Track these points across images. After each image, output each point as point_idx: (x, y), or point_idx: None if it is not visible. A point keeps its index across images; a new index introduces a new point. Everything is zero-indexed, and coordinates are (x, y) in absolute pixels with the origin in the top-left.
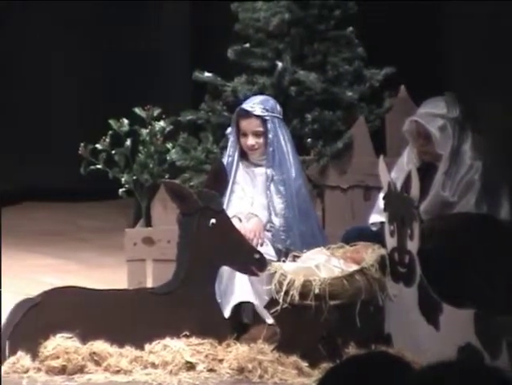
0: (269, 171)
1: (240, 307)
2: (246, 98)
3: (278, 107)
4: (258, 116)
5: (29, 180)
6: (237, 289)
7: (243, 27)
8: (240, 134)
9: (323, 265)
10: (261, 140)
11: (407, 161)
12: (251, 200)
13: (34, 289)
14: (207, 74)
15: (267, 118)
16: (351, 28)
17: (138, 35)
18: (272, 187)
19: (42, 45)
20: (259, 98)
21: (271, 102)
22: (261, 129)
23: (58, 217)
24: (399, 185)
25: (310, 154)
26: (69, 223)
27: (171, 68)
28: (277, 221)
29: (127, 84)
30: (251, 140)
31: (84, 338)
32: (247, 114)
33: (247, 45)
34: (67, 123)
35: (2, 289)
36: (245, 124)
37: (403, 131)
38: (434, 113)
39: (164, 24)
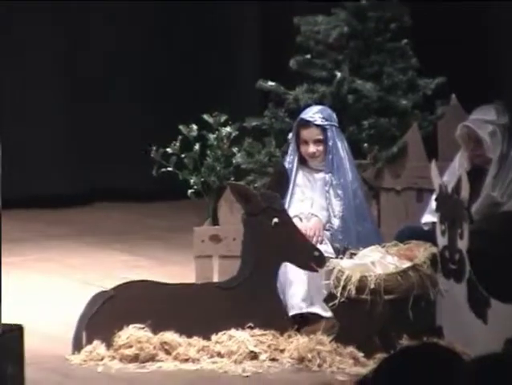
0: (328, 176)
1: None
2: (307, 106)
3: (335, 116)
4: (317, 126)
5: (101, 182)
6: (297, 287)
7: (305, 40)
8: (300, 142)
9: (378, 261)
10: (320, 148)
11: (458, 165)
12: (311, 202)
13: (108, 283)
14: (270, 83)
15: (326, 127)
16: (405, 40)
17: (209, 46)
18: (331, 191)
19: (121, 53)
20: (318, 108)
21: (329, 111)
22: (320, 137)
23: (131, 217)
24: (450, 188)
25: (367, 158)
26: (141, 222)
27: (238, 77)
28: (335, 222)
29: (196, 92)
30: (312, 148)
31: (155, 329)
32: (308, 123)
33: (308, 56)
34: (140, 127)
35: (78, 282)
36: (306, 133)
37: (455, 136)
38: (485, 119)
39: (232, 36)
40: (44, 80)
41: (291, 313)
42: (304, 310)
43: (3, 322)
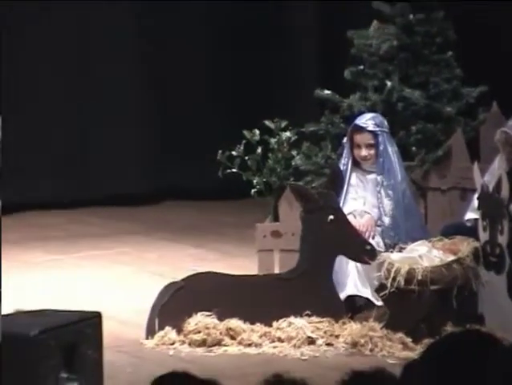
0: (379, 177)
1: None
2: (360, 113)
3: (386, 122)
4: (370, 131)
5: (172, 182)
6: (351, 278)
7: (358, 52)
8: (354, 146)
9: (425, 255)
10: (372, 152)
11: (498, 167)
12: (363, 201)
13: (179, 275)
14: (327, 91)
15: (378, 132)
16: (450, 53)
17: (271, 57)
18: (382, 191)
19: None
20: (370, 115)
21: (380, 118)
22: (372, 142)
23: (199, 214)
24: (491, 187)
25: (415, 160)
26: (208, 219)
27: (297, 86)
28: (386, 220)
29: (258, 99)
30: (364, 152)
31: (221, 316)
32: (361, 129)
33: (361, 67)
34: (208, 131)
35: (151, 274)
36: (360, 138)
37: (494, 140)
38: None
39: (292, 49)
40: (121, 81)
41: (348, 293)
42: (358, 293)
43: (86, 308)
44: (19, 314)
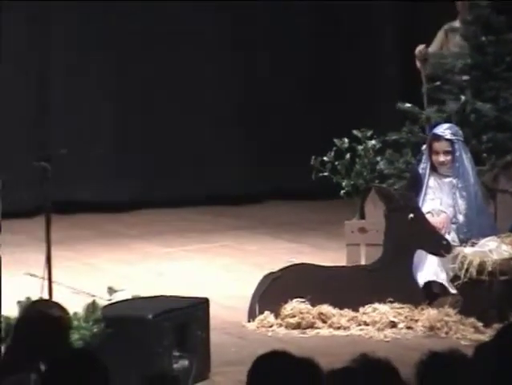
0: (454, 180)
1: (432, 282)
2: (437, 124)
3: (460, 131)
4: (447, 139)
5: (271, 183)
6: (428, 268)
7: (434, 69)
8: (432, 152)
9: (494, 249)
10: (449, 158)
11: None
12: (440, 201)
13: (276, 266)
14: (407, 104)
15: (454, 141)
16: None
17: (360, 75)
18: (457, 192)
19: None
20: (447, 125)
21: (456, 128)
22: (449, 149)
23: (295, 212)
24: None
25: (486, 165)
26: (303, 217)
27: (381, 100)
28: (460, 218)
29: (346, 111)
30: (442, 158)
31: (314, 302)
32: (439, 137)
33: (438, 83)
34: (302, 140)
35: (252, 265)
36: (438, 145)
37: None
38: None
39: (378, 66)
40: (220, 82)
41: (427, 279)
42: (435, 279)
43: (195, 294)
44: (137, 300)
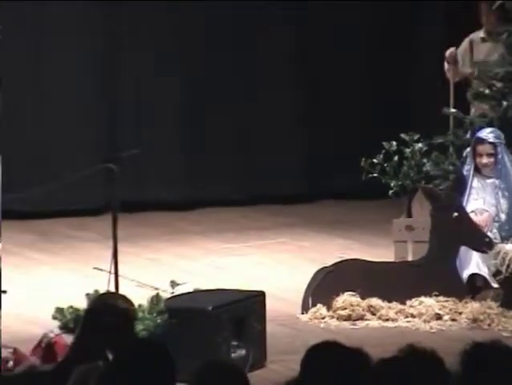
0: (497, 181)
1: (475, 276)
2: (480, 128)
3: (502, 135)
4: (490, 143)
5: (325, 183)
6: (472, 263)
7: (479, 75)
8: (476, 154)
9: None
10: (492, 160)
11: None
12: (483, 201)
13: (329, 261)
14: (452, 110)
15: (497, 144)
16: None
17: (407, 81)
18: (499, 192)
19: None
20: (490, 129)
21: (498, 132)
22: (492, 152)
23: (346, 211)
24: None
25: None
26: (354, 215)
27: (429, 105)
28: (502, 216)
29: (394, 115)
30: (485, 160)
31: (364, 295)
32: (483, 141)
33: (481, 89)
34: (353, 142)
35: (306, 260)
36: (481, 148)
37: None
38: None
39: (425, 74)
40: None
41: (470, 272)
42: (479, 272)
43: (253, 287)
44: (198, 293)
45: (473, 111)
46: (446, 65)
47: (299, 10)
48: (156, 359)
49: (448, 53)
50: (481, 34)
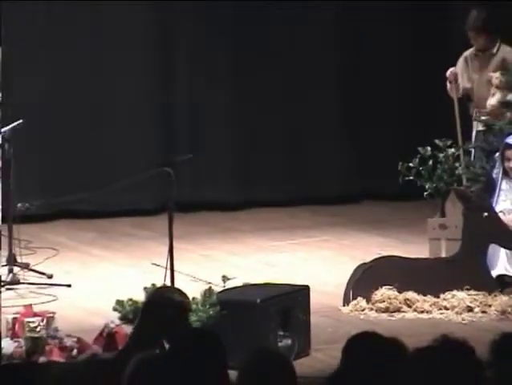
0: None
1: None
2: (509, 134)
3: None
4: None
5: (368, 185)
6: (501, 261)
7: (507, 85)
8: (505, 159)
9: None
10: None
11: None
12: (511, 202)
13: (368, 257)
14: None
15: None
16: None
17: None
18: None
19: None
20: None
21: None
22: None
23: (385, 211)
24: None
25: None
26: (392, 215)
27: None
28: None
29: (430, 122)
30: None
31: (400, 289)
32: (511, 146)
33: (510, 97)
34: (392, 148)
35: (347, 256)
36: (510, 153)
37: None
38: None
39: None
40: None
41: (498, 272)
42: (506, 272)
43: (298, 282)
44: (247, 286)
45: (475, 122)
46: (448, 84)
47: (345, 11)
48: (209, 347)
49: (449, 73)
50: (472, 51)
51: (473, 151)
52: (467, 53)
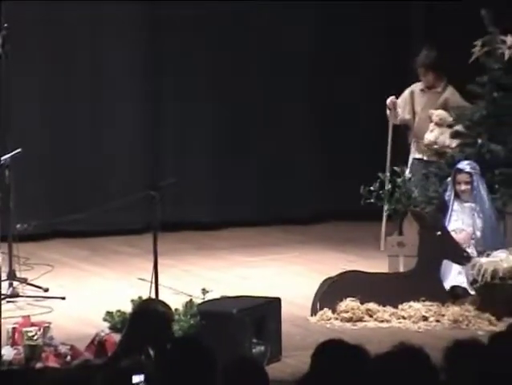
0: (473, 205)
1: (455, 285)
2: (459, 160)
3: (478, 167)
4: (467, 172)
5: (332, 206)
6: (453, 275)
7: (458, 119)
8: (455, 182)
9: (504, 259)
10: (469, 187)
11: None
12: (462, 221)
13: (334, 272)
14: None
15: (473, 174)
16: None
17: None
18: (475, 214)
19: None
20: (467, 161)
21: (474, 164)
22: (469, 180)
23: (349, 229)
24: None
25: (497, 194)
26: (354, 233)
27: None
28: (478, 234)
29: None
30: (463, 187)
31: (363, 301)
32: (461, 171)
33: (459, 128)
34: (355, 173)
35: (316, 272)
36: (460, 177)
37: None
38: None
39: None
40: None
41: (451, 284)
42: (458, 284)
43: (271, 294)
44: (225, 299)
45: (413, 149)
46: (388, 111)
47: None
48: (196, 354)
49: (389, 101)
50: (420, 86)
51: (411, 176)
52: (415, 87)
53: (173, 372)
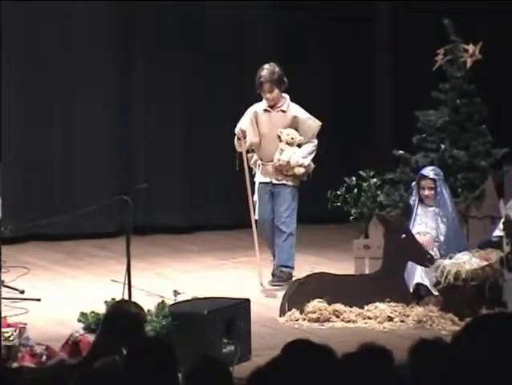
0: (437, 209)
1: (419, 286)
2: (423, 166)
3: (441, 172)
4: (431, 178)
5: (302, 210)
6: (417, 275)
7: (422, 125)
8: (420, 188)
9: (467, 261)
10: (432, 192)
11: None
12: (426, 225)
13: (301, 274)
14: (401, 151)
15: (437, 179)
16: (484, 126)
17: (361, 133)
18: (439, 218)
19: None
20: (431, 167)
21: (438, 170)
22: (433, 186)
23: (316, 232)
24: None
25: (460, 198)
26: (321, 236)
27: (380, 148)
28: (441, 238)
29: (354, 156)
30: (427, 192)
31: (330, 302)
32: (425, 177)
33: (424, 135)
34: (323, 179)
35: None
36: (424, 183)
37: None
38: None
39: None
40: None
41: (416, 281)
42: (422, 282)
43: (240, 296)
44: (195, 300)
45: (258, 173)
46: (236, 141)
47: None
48: (162, 353)
49: (238, 130)
50: (262, 106)
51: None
52: (256, 108)
53: (138, 372)
